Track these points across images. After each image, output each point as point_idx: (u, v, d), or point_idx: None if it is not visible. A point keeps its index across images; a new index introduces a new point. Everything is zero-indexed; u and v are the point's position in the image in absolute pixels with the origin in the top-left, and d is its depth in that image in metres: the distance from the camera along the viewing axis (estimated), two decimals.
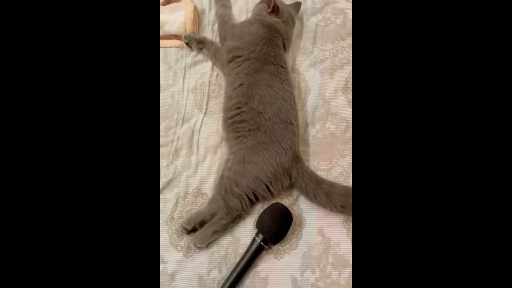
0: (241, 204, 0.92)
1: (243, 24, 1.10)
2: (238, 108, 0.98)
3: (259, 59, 1.01)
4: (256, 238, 0.88)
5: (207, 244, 0.92)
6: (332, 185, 0.92)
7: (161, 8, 1.22)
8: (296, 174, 0.93)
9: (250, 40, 1.03)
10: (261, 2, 1.13)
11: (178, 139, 1.05)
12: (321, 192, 0.91)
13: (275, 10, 1.08)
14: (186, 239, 0.94)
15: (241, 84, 0.99)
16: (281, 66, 1.02)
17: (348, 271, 0.87)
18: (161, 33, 1.18)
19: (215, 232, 0.91)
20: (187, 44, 1.15)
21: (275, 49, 1.03)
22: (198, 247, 0.91)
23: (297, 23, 1.16)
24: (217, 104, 1.08)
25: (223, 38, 1.12)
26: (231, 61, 1.04)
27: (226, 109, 1.01)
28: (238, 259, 0.89)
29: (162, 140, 1.05)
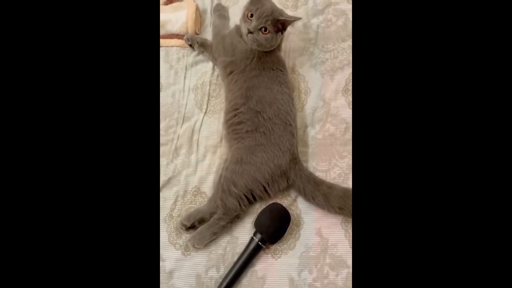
0: (239, 204, 0.92)
1: (232, 36, 1.05)
2: (236, 109, 0.98)
3: (256, 68, 1.00)
4: (254, 237, 0.88)
5: (205, 244, 0.92)
6: (331, 186, 0.92)
7: (163, 7, 1.22)
8: (294, 176, 0.94)
9: (243, 55, 1.01)
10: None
11: (178, 138, 1.05)
12: (319, 194, 0.91)
13: None
14: (184, 237, 0.94)
15: (239, 88, 0.99)
16: (280, 70, 1.01)
17: (345, 272, 0.88)
18: (163, 32, 1.18)
19: (214, 234, 0.92)
20: (190, 45, 1.15)
21: (270, 56, 1.01)
22: (196, 248, 0.92)
23: (298, 23, 1.16)
24: (218, 104, 1.09)
25: (216, 52, 1.09)
26: (229, 75, 1.03)
27: (225, 112, 1.01)
28: (236, 258, 0.89)
29: (162, 139, 1.05)
